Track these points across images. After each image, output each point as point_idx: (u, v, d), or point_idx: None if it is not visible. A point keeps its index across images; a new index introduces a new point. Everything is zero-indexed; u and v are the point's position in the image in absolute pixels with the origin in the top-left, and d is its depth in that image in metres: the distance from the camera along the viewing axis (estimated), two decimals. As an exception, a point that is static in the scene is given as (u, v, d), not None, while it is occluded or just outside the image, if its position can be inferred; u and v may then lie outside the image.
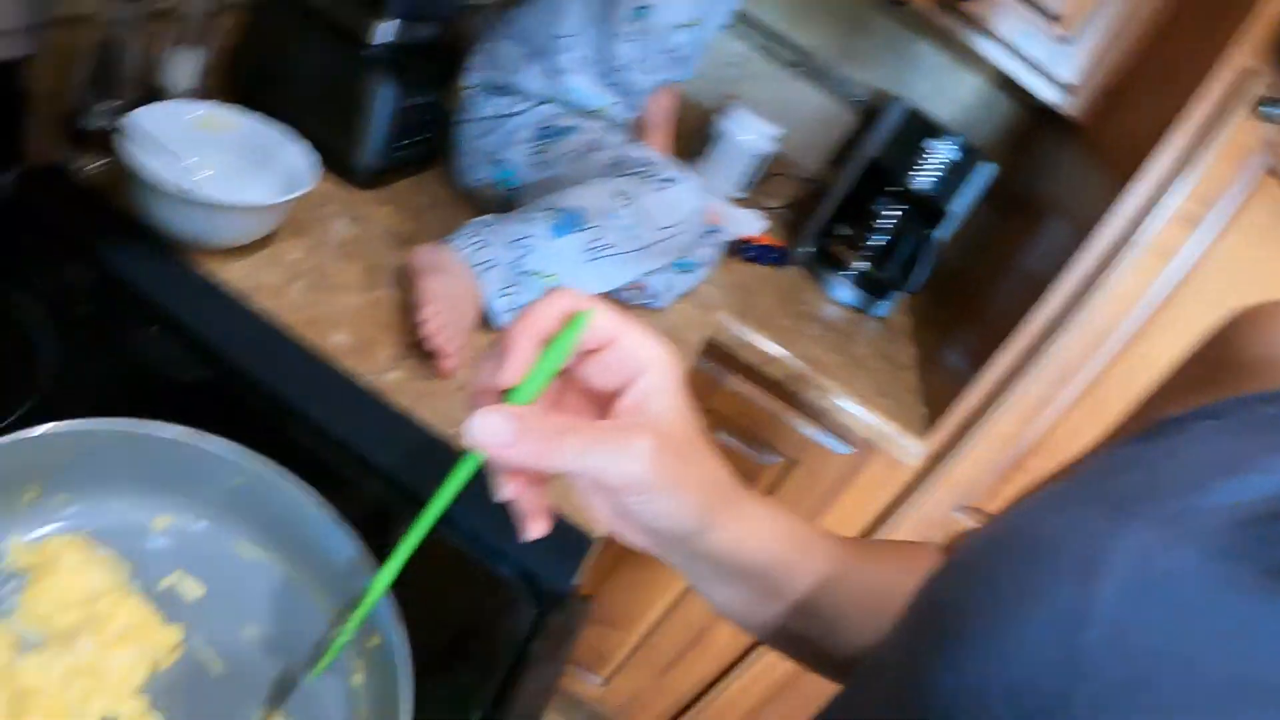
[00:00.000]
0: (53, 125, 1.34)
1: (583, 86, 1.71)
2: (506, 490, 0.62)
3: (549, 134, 1.68)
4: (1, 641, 0.77)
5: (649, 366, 0.59)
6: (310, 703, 0.83)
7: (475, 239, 1.41)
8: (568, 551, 1.10)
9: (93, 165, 1.36)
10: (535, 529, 0.63)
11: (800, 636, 0.73)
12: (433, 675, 0.77)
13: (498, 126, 1.70)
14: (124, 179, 1.27)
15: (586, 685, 2.49)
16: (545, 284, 1.42)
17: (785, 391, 1.91)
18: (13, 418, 0.95)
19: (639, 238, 1.47)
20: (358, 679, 0.85)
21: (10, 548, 0.83)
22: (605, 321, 0.59)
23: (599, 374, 0.61)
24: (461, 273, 1.38)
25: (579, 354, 0.60)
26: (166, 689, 0.80)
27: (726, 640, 2.27)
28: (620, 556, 2.20)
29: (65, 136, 1.36)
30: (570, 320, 0.58)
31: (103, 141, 1.35)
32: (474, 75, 1.74)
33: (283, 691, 0.83)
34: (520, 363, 0.58)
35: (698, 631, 2.27)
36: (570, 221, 1.44)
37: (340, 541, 0.87)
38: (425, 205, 1.69)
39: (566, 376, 0.62)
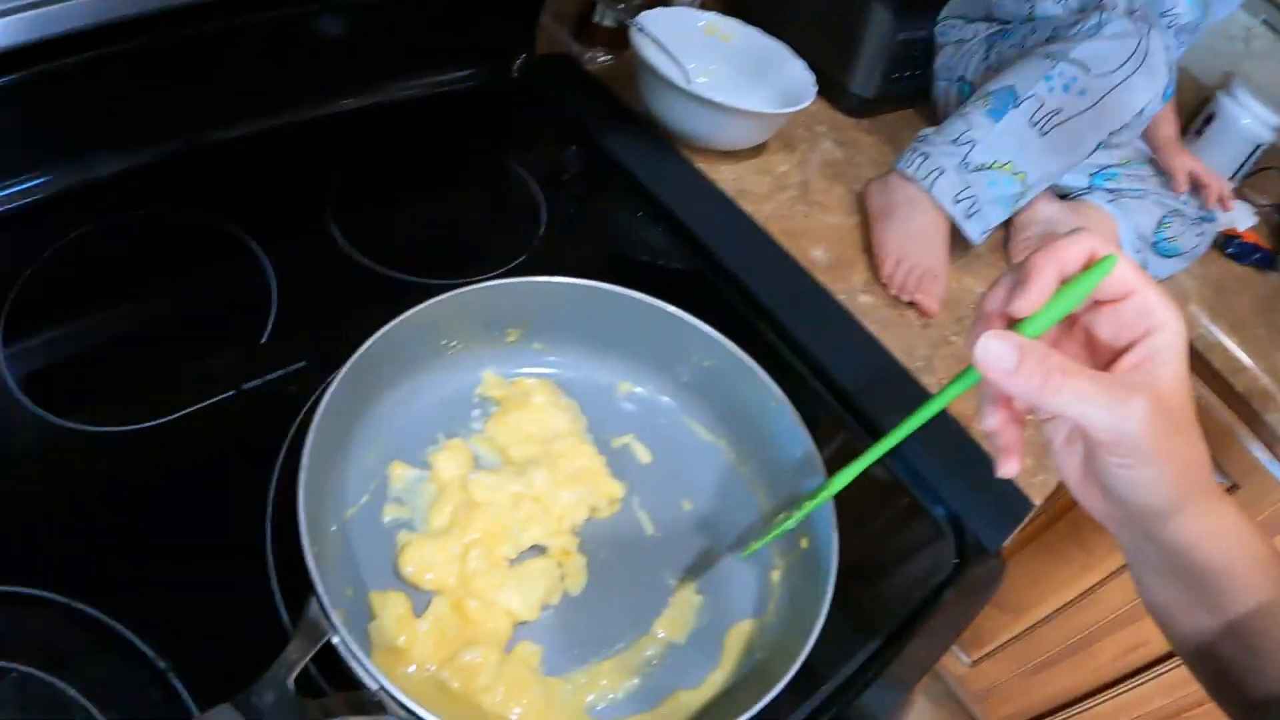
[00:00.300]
0: (564, 20, 1.43)
1: (1056, 15, 1.58)
2: (992, 420, 0.61)
3: (996, 36, 1.54)
4: (462, 456, 0.84)
5: (1162, 327, 0.55)
6: (725, 584, 0.84)
7: (917, 154, 1.33)
8: (1003, 511, 1.04)
9: (598, 59, 1.43)
10: (1009, 466, 0.61)
11: (1221, 660, 0.66)
12: (845, 591, 0.75)
13: (965, 48, 1.61)
14: (629, 73, 1.32)
15: (953, 661, 2.42)
16: (1001, 176, 1.32)
17: (1246, 407, 1.74)
18: (507, 268, 1.03)
19: (1085, 92, 1.28)
20: (775, 575, 0.84)
21: (486, 377, 0.90)
22: (1126, 272, 0.55)
23: (1108, 325, 0.57)
24: (915, 198, 1.32)
25: (1092, 301, 0.56)
26: (597, 535, 0.83)
27: (1110, 658, 2.09)
28: (1029, 539, 2.11)
29: (574, 31, 1.43)
30: (1094, 264, 0.55)
31: (609, 39, 1.41)
32: (953, 4, 1.67)
33: (703, 566, 0.84)
34: (1039, 295, 0.55)
35: (1083, 641, 2.10)
36: (1004, 101, 1.31)
37: (795, 440, 0.84)
38: (909, 140, 1.67)
39: (1069, 322, 0.59)
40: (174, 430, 0.82)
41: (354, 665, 0.63)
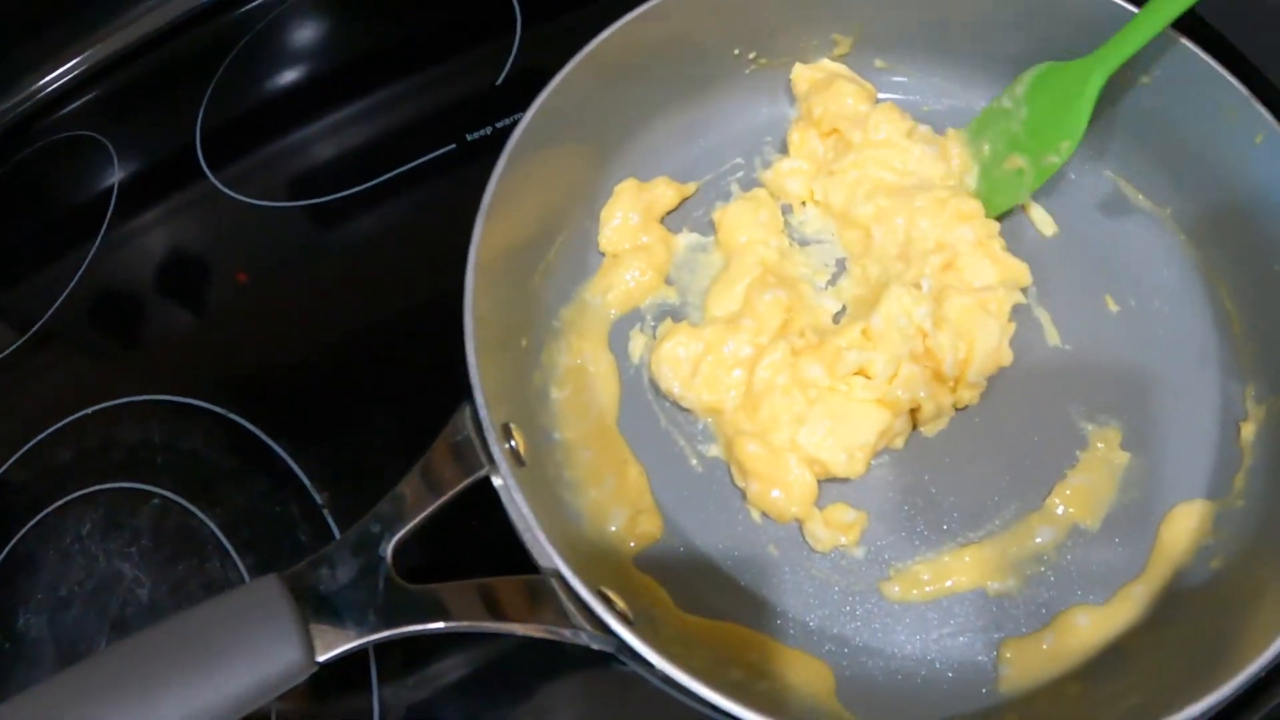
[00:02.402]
0: None
1: None
2: None
3: None
4: (765, 213, 0.62)
5: None
6: (1167, 437, 0.54)
7: None
8: None
9: None
10: None
11: None
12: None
13: None
14: None
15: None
16: None
17: None
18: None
19: None
20: (1249, 430, 0.54)
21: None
22: None
23: None
24: None
25: None
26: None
27: None
28: None
29: None
30: None
31: None
32: None
33: (1135, 404, 0.55)
34: None
35: None
36: None
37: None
38: None
39: None
40: (382, 194, 0.71)
41: (523, 532, 0.42)
